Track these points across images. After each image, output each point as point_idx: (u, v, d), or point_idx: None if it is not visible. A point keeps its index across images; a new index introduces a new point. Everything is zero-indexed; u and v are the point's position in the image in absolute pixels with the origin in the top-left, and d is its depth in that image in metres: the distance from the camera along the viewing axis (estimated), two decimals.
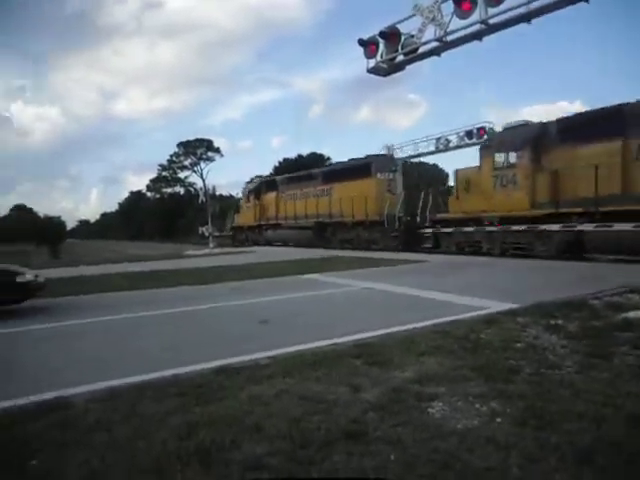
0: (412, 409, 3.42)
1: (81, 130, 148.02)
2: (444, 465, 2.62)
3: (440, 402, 3.55)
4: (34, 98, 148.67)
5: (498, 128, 22.42)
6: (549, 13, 8.88)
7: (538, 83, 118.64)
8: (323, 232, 26.63)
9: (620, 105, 13.64)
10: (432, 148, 31.69)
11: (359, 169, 24.48)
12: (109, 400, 3.79)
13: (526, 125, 16.80)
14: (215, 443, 2.94)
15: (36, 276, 8.89)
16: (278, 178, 33.66)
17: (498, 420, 3.19)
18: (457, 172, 19.22)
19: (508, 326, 5.86)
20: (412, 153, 33.28)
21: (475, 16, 9.09)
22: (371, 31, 11.49)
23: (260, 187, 34.09)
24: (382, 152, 30.62)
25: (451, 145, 30.45)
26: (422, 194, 20.83)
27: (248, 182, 41.52)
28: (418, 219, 20.61)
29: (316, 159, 63.65)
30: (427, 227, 19.65)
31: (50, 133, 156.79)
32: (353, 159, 26.87)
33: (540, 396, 3.54)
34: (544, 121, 16.21)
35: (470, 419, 3.23)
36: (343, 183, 25.21)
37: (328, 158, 66.21)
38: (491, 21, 9.12)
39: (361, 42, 11.41)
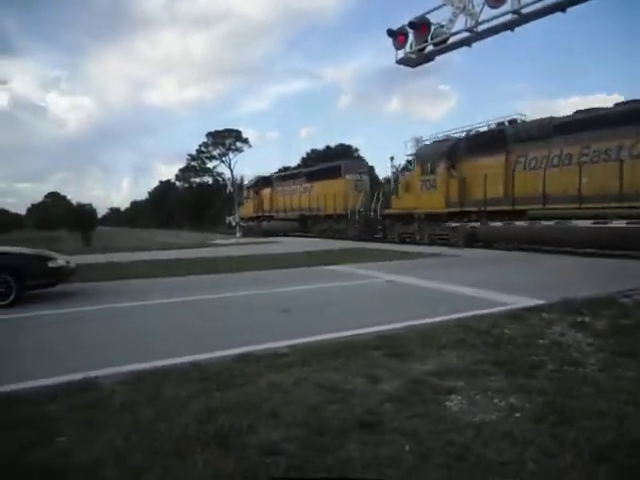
0: (429, 401, 3.43)
1: (114, 120, 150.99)
2: (458, 457, 2.63)
3: (458, 396, 3.55)
4: (69, 88, 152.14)
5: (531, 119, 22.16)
6: (585, 2, 8.61)
7: (574, 74, 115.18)
8: (305, 223, 31.36)
9: (503, 127, 19.55)
10: None
11: (332, 170, 29.24)
12: (134, 383, 3.91)
13: (445, 140, 21.08)
14: (234, 428, 3.01)
15: (67, 262, 9.16)
16: (273, 176, 38.40)
17: (516, 415, 3.18)
18: (398, 175, 24.34)
19: (532, 322, 5.79)
20: None
21: (507, 6, 8.88)
22: (400, 21, 11.37)
23: (258, 183, 38.31)
24: (410, 144, 30.85)
25: None
26: (375, 193, 25.88)
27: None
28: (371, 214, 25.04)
29: (344, 150, 63.40)
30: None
31: (84, 123, 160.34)
32: (328, 163, 33.37)
33: (561, 393, 3.49)
34: (458, 137, 20.61)
35: (488, 413, 3.22)
36: (321, 182, 29.68)
37: (356, 149, 65.99)
38: (524, 10, 8.88)
39: (390, 32, 11.28)
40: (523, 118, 27.05)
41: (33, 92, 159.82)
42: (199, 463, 2.61)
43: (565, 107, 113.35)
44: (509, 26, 9.37)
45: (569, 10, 8.72)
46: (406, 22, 11.14)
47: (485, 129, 20.49)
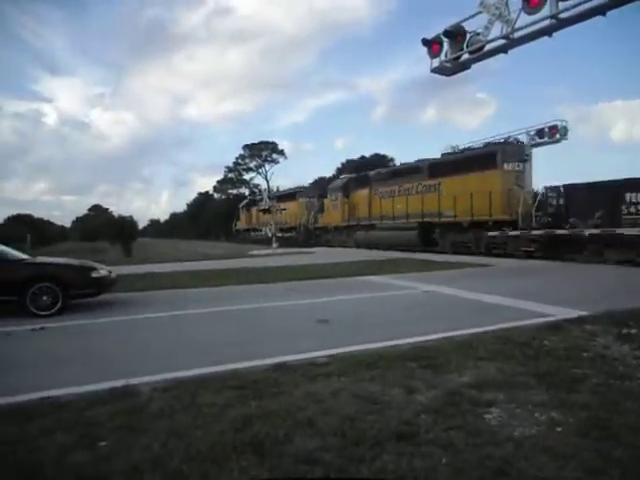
0: (467, 414, 3.37)
1: (154, 134, 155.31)
2: (497, 471, 2.57)
3: (497, 408, 3.47)
4: (112, 104, 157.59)
5: (572, 125, 21.61)
6: (626, 4, 8.38)
7: (616, 77, 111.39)
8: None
9: (367, 173, 30.78)
10: None
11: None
12: (172, 390, 4.00)
13: (342, 179, 34.71)
14: (269, 436, 3.03)
15: (109, 272, 9.46)
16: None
17: (558, 429, 3.08)
18: (324, 200, 35.22)
19: (575, 334, 5.61)
20: None
21: (545, 11, 8.73)
22: (435, 30, 11.32)
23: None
24: (447, 151, 29.33)
25: None
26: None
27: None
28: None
29: (379, 160, 63.24)
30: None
31: (125, 137, 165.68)
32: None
33: (605, 407, 3.37)
34: (350, 176, 34.03)
35: (528, 427, 3.14)
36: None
37: (391, 159, 65.62)
38: (562, 15, 8.71)
39: (425, 42, 11.26)
40: (564, 124, 26.47)
41: (78, 109, 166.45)
42: (235, 470, 2.65)
43: (608, 111, 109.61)
44: (547, 32, 9.20)
45: (610, 13, 8.52)
46: (441, 31, 11.12)
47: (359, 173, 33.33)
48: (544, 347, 5.06)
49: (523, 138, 28.68)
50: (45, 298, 8.15)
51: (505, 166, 19.96)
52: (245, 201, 53.42)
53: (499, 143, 21.92)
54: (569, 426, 3.12)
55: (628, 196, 15.27)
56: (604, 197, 15.95)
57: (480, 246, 20.22)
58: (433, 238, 23.30)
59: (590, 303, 7.44)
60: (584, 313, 6.71)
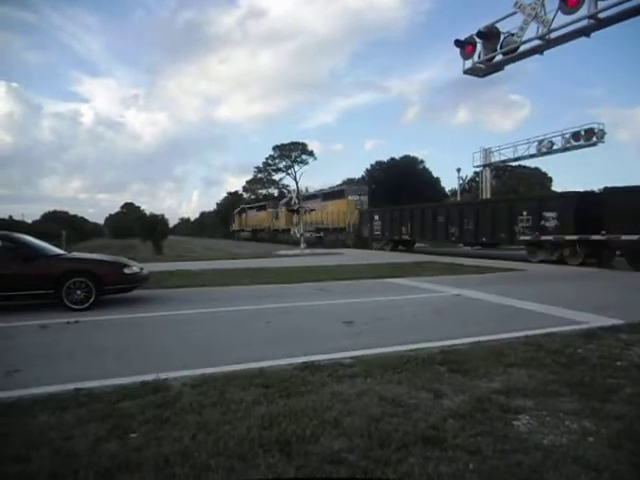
0: (496, 420, 3.32)
1: (186, 134, 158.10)
2: None
3: (527, 416, 3.41)
4: (146, 105, 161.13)
5: (609, 129, 21.27)
6: None
7: None
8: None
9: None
10: (533, 151, 30.11)
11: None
12: (201, 386, 4.07)
13: (288, 197, 48.05)
14: (296, 434, 3.06)
15: (141, 268, 9.67)
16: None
17: (590, 439, 3.01)
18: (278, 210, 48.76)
19: (609, 342, 5.46)
20: (511, 156, 31.91)
21: (583, 10, 8.53)
22: (469, 31, 11.20)
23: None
24: (479, 154, 31.58)
25: (555, 148, 28.70)
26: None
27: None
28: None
29: (410, 162, 62.77)
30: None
31: (158, 137, 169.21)
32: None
33: None
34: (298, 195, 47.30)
35: (558, 436, 3.08)
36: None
37: (422, 161, 65.08)
38: (601, 15, 8.50)
39: (457, 43, 11.15)
40: (601, 127, 25.80)
41: (113, 109, 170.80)
42: (262, 466, 2.68)
43: None
44: (585, 32, 9.00)
45: None
46: (474, 32, 10.99)
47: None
48: (577, 355, 4.94)
49: (558, 141, 28.16)
50: (79, 292, 8.39)
51: (350, 197, 35.78)
52: (238, 209, 65.73)
53: (348, 183, 46.76)
54: (602, 436, 3.04)
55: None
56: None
57: (337, 244, 34.06)
58: (322, 237, 38.51)
59: (624, 311, 7.24)
60: (619, 321, 6.53)
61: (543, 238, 17.69)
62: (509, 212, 19.54)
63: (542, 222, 17.84)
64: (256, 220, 55.12)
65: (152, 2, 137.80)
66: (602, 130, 26.08)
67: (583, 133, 26.69)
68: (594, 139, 26.26)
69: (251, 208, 59.30)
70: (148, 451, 2.88)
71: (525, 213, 18.67)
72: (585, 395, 3.75)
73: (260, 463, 2.72)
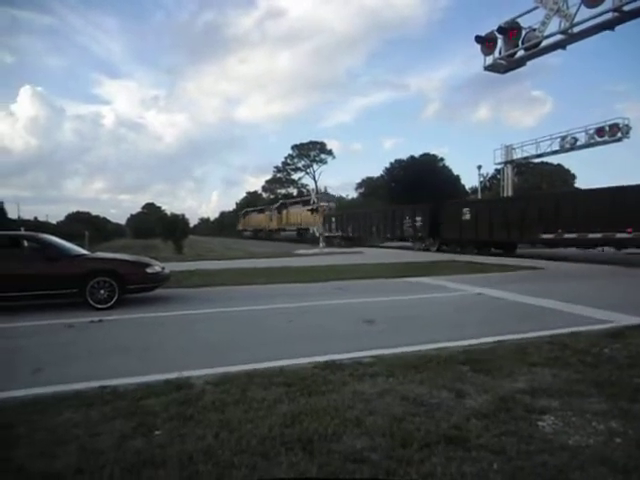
0: (520, 420, 3.27)
1: (206, 135, 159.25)
2: None
3: (552, 416, 3.35)
4: (166, 106, 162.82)
5: (635, 124, 21.00)
6: None
7: None
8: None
9: (283, 201, 59.61)
10: (556, 147, 29.59)
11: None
12: (223, 384, 4.10)
13: (277, 202, 58.69)
14: (318, 433, 3.06)
15: (163, 268, 9.79)
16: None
17: (617, 440, 2.95)
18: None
19: (637, 342, 5.33)
20: (533, 153, 31.41)
21: (607, 4, 8.35)
22: (489, 27, 11.05)
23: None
24: (500, 151, 31.51)
25: (578, 144, 28.15)
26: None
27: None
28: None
29: (429, 160, 62.32)
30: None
31: (179, 138, 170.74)
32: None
33: None
34: (282, 201, 57.73)
35: (585, 436, 3.02)
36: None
37: (441, 159, 64.56)
38: (626, 8, 8.31)
39: (478, 39, 11.02)
40: (626, 122, 25.24)
41: (134, 111, 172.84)
42: (284, 464, 2.69)
43: None
44: (609, 25, 8.80)
45: None
46: (495, 28, 10.84)
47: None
48: (603, 354, 4.85)
49: (581, 137, 27.62)
50: (102, 292, 8.53)
51: (322, 203, 40.36)
52: (243, 211, 73.91)
53: (318, 194, 46.88)
54: (629, 437, 2.98)
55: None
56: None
57: (307, 240, 41.36)
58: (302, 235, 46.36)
59: None
60: None
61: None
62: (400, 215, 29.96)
63: (414, 223, 28.14)
64: (257, 221, 63.85)
65: (171, 4, 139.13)
66: (627, 125, 25.47)
67: (607, 129, 26.10)
68: (619, 134, 25.67)
69: (253, 211, 67.74)
70: (172, 448, 2.91)
71: (407, 217, 28.96)
72: (612, 395, 3.68)
73: (282, 461, 2.73)
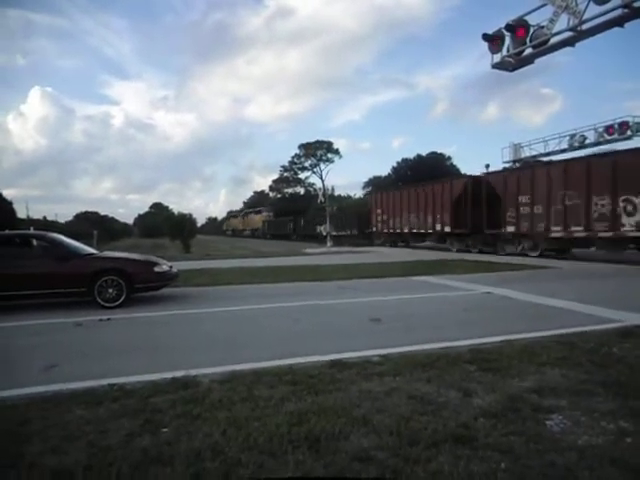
0: (528, 419, 3.26)
1: (214, 135, 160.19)
2: None
3: (560, 415, 3.33)
4: (175, 106, 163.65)
5: None
6: None
7: None
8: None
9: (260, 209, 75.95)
10: (565, 145, 29.42)
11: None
12: (230, 382, 4.11)
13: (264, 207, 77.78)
14: (325, 431, 3.06)
15: (170, 267, 9.83)
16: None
17: (627, 440, 2.92)
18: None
19: None
20: (541, 151, 31.24)
21: (616, 0, 8.27)
22: (498, 24, 11.00)
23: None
24: (508, 149, 31.63)
25: (587, 142, 27.96)
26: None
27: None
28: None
29: (436, 159, 62.10)
30: None
31: (187, 138, 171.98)
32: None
33: None
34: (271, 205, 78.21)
35: (594, 436, 3.00)
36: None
37: (449, 158, 64.34)
38: (637, 4, 8.23)
39: (485, 37, 10.97)
40: (636, 120, 25.03)
41: (143, 111, 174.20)
42: (291, 463, 2.69)
43: None
44: (618, 22, 8.73)
45: None
46: (503, 26, 10.78)
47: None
48: (613, 354, 4.81)
49: (591, 135, 27.44)
50: (111, 291, 8.59)
51: (263, 213, 71.30)
52: (227, 216, 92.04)
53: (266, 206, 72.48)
54: None
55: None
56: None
57: (259, 236, 66.07)
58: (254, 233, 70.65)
59: None
60: None
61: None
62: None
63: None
64: (234, 224, 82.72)
65: (181, 5, 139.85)
66: (638, 123, 25.27)
67: (617, 126, 25.92)
68: (629, 132, 25.48)
69: (232, 216, 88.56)
70: (179, 445, 2.93)
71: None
72: (621, 395, 3.65)
73: (289, 459, 2.73)
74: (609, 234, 15.65)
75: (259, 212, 74.53)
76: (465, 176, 23.68)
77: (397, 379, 4.15)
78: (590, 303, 7.88)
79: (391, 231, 28.97)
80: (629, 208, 14.91)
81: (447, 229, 23.02)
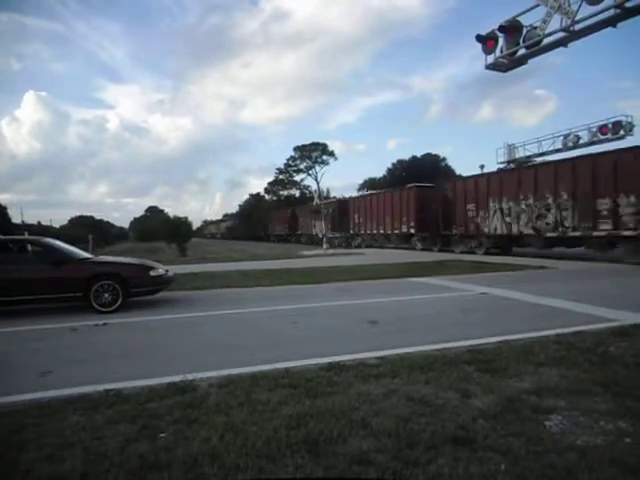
0: (527, 420, 3.25)
1: (210, 138, 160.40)
2: None
3: (559, 416, 3.33)
4: (170, 110, 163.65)
5: (638, 121, 21.47)
6: None
7: None
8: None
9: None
10: (559, 145, 29.54)
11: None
12: (227, 386, 4.08)
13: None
14: (323, 435, 3.04)
15: (166, 271, 9.79)
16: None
17: (627, 440, 2.92)
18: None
19: None
20: (535, 152, 31.37)
21: (608, 1, 8.32)
22: (491, 27, 11.03)
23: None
24: (503, 150, 32.17)
25: (581, 142, 28.09)
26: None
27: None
28: None
29: (431, 160, 62.27)
30: None
31: (182, 141, 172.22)
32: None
33: None
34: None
35: (593, 436, 2.99)
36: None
37: (444, 159, 64.52)
38: (629, 4, 8.27)
39: (479, 38, 11.00)
40: (629, 120, 25.16)
41: (138, 115, 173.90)
42: (290, 467, 2.67)
43: None
44: (611, 22, 8.77)
45: None
46: (496, 27, 10.81)
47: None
48: (610, 353, 4.81)
49: (584, 135, 27.55)
50: (107, 295, 8.53)
51: (228, 222, 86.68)
52: (206, 222, 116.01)
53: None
54: (639, 437, 2.95)
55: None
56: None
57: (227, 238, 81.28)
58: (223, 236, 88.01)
59: None
60: None
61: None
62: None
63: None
64: (210, 229, 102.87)
65: (176, 9, 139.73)
66: (631, 123, 25.43)
67: (610, 126, 26.06)
68: (622, 132, 25.62)
69: (210, 223, 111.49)
70: (177, 451, 2.90)
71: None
72: (620, 395, 3.64)
73: (288, 463, 2.71)
74: (532, 232, 19.45)
75: (224, 221, 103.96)
76: (426, 184, 26.94)
77: (395, 381, 4.14)
78: (586, 302, 7.90)
79: (368, 232, 32.11)
80: (543, 211, 18.92)
81: (412, 230, 26.69)
